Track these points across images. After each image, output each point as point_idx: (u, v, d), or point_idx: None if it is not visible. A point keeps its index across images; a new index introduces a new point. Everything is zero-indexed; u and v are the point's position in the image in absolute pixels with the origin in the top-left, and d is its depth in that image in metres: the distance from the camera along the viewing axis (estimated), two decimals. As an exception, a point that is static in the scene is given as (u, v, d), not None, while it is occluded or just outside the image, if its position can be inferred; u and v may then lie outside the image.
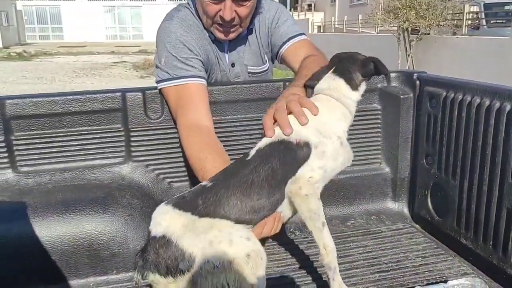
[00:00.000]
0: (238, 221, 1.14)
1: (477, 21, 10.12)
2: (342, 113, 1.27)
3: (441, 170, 1.69)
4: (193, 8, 1.67)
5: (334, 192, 1.91)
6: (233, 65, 1.78)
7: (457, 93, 1.59)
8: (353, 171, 1.93)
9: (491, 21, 10.12)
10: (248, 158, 1.22)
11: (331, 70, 1.29)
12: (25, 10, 30.88)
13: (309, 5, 24.60)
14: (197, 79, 1.55)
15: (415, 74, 1.85)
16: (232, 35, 1.63)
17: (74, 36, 30.44)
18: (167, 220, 1.13)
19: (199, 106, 1.52)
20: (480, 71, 7.91)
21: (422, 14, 9.07)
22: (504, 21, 9.65)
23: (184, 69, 1.54)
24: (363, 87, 1.30)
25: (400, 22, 9.46)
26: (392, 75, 1.92)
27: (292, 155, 1.19)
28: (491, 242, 1.45)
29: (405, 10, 9.19)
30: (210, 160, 1.35)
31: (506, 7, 10.13)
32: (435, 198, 1.76)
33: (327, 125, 1.23)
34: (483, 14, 10.09)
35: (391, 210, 1.94)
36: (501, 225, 1.40)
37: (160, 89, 1.60)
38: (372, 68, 1.28)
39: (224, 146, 1.67)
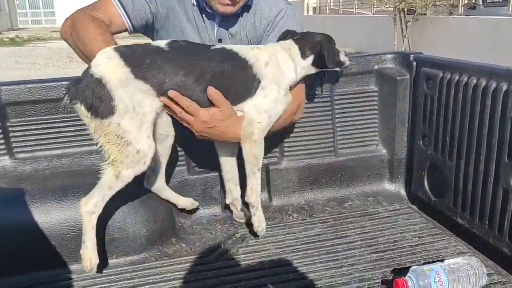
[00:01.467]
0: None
1: (474, 1, 10.03)
2: (293, 69, 1.46)
3: (437, 151, 1.70)
4: None
5: (331, 174, 1.92)
6: (220, 40, 1.69)
7: (454, 74, 1.59)
8: (350, 153, 1.94)
9: (488, 1, 10.03)
10: (212, 48, 1.40)
11: (295, 38, 1.50)
12: (16, -6, 30.42)
13: (305, -14, 24.24)
14: (125, 15, 1.51)
15: (411, 56, 1.85)
16: (234, 8, 1.56)
17: (67, 20, 30.06)
18: (107, 66, 1.26)
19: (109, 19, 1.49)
20: (477, 51, 7.88)
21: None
22: (500, 1, 9.56)
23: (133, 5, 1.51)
24: (310, 58, 1.48)
25: (396, 2, 9.37)
26: (389, 56, 1.92)
27: (245, 76, 1.36)
28: (487, 222, 1.47)
29: (401, -10, 9.11)
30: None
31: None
32: (432, 178, 1.77)
33: (279, 73, 1.41)
34: (479, -7, 10.01)
35: (388, 191, 1.96)
36: (497, 205, 1.41)
37: None
38: (319, 48, 1.46)
39: None
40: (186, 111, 1.33)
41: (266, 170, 1.84)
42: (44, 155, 1.63)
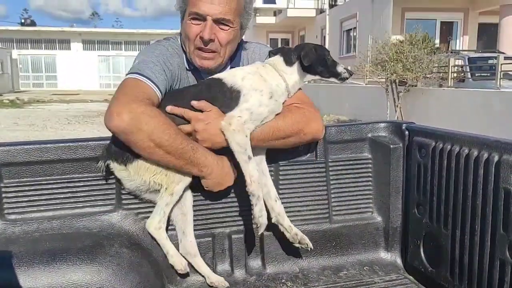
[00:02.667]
0: None
1: (462, 74, 10.45)
2: (279, 77, 1.61)
3: (432, 219, 1.69)
4: (179, 41, 1.70)
5: (326, 241, 1.89)
6: None
7: (446, 143, 1.62)
8: (345, 220, 1.92)
9: (476, 74, 10.45)
10: (201, 81, 1.65)
11: (279, 53, 1.67)
12: (20, 58, 31.41)
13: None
14: (158, 90, 1.52)
15: (404, 125, 1.89)
16: (210, 63, 1.62)
17: (68, 84, 30.85)
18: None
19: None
20: (466, 122, 8.08)
21: (409, 67, 9.36)
22: (488, 74, 9.97)
23: (154, 75, 1.53)
24: (296, 64, 1.63)
25: (387, 74, 9.74)
26: (382, 125, 1.96)
27: (226, 90, 1.54)
28: None
29: (392, 63, 9.49)
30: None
31: (490, 61, 10.50)
32: (428, 248, 1.74)
33: (260, 82, 1.56)
34: (468, 67, 10.44)
35: (384, 260, 1.92)
36: (494, 277, 1.38)
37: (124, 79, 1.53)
38: (303, 54, 1.58)
39: (216, 194, 1.68)
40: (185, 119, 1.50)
41: (260, 236, 1.82)
42: (35, 216, 1.60)
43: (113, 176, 1.65)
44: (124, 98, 1.41)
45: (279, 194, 1.81)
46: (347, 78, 1.68)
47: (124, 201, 1.67)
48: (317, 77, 1.66)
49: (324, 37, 22.59)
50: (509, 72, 10.01)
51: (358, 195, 1.94)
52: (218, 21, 1.56)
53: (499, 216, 1.37)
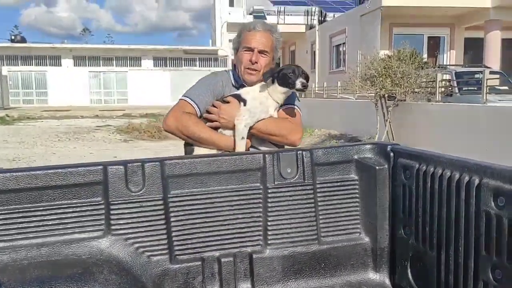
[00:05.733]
0: None
1: (450, 89, 10.60)
2: (263, 91, 2.26)
3: (418, 240, 1.72)
4: (225, 71, 2.50)
5: (315, 263, 1.91)
6: None
7: (429, 165, 1.66)
8: (333, 241, 1.94)
9: (463, 89, 10.61)
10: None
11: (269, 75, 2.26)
12: (10, 75, 31.28)
13: (290, 72, 25.47)
14: (197, 107, 2.29)
15: (389, 146, 1.93)
16: (253, 77, 2.33)
17: (59, 100, 30.69)
18: None
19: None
20: (454, 136, 8.18)
21: (397, 82, 9.47)
22: (475, 89, 10.13)
23: (197, 97, 2.30)
24: (275, 83, 2.24)
25: (377, 89, 9.85)
26: (367, 146, 2.00)
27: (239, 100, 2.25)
28: None
29: (381, 78, 9.61)
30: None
31: (476, 76, 10.67)
32: (415, 268, 1.77)
33: (256, 94, 2.25)
34: (455, 82, 10.61)
35: (372, 281, 1.94)
36: None
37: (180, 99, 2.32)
38: (280, 74, 2.22)
39: (205, 217, 1.70)
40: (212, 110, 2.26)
41: (249, 259, 1.83)
42: (24, 244, 1.60)
43: (102, 202, 1.67)
44: (172, 111, 2.26)
45: (267, 216, 1.84)
46: (302, 90, 2.26)
47: (113, 227, 1.68)
48: (287, 89, 2.24)
49: (314, 52, 22.86)
50: (496, 87, 10.21)
51: (346, 216, 1.96)
52: (260, 52, 2.32)
53: (481, 238, 1.40)
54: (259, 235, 1.86)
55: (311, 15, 24.44)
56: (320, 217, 1.93)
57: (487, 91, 8.11)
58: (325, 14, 23.44)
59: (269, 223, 1.86)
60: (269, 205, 1.85)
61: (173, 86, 31.37)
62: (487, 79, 8.15)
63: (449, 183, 1.55)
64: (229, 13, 30.57)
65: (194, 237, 1.77)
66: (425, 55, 16.59)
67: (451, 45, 17.43)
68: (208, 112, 2.26)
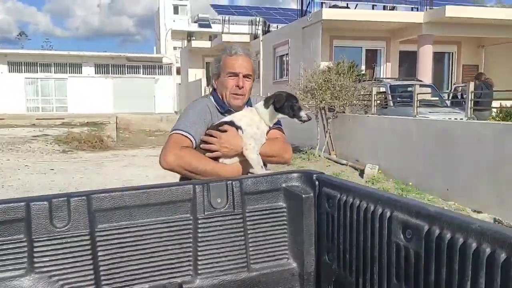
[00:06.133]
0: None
1: (385, 101, 11.14)
2: (255, 116, 2.34)
3: (340, 266, 1.82)
4: (212, 98, 2.48)
5: (245, 291, 1.96)
6: None
7: (349, 196, 1.76)
8: (262, 268, 2.00)
9: (398, 101, 11.18)
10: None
11: (263, 100, 2.38)
12: None
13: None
14: (192, 137, 2.29)
15: (314, 175, 2.02)
16: (240, 102, 2.41)
17: (-8, 108, 29.00)
18: None
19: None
20: (389, 148, 8.60)
21: (336, 95, 9.84)
22: (409, 101, 10.71)
23: (190, 127, 2.30)
24: (271, 108, 2.32)
25: (317, 101, 10.17)
26: (295, 175, 2.08)
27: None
28: None
29: (321, 91, 9.93)
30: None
31: (409, 89, 11.29)
32: None
33: (250, 120, 2.31)
34: (389, 95, 11.15)
35: None
36: None
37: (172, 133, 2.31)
38: (276, 100, 2.30)
39: (134, 250, 1.71)
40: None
41: None
42: None
43: (24, 240, 1.63)
44: (169, 148, 2.21)
45: (198, 246, 1.87)
46: (306, 121, 2.35)
47: (36, 264, 1.64)
48: (285, 116, 2.33)
49: (259, 62, 23.15)
50: (431, 99, 10.84)
51: (275, 242, 2.03)
52: (245, 76, 2.38)
53: (392, 268, 1.51)
54: (189, 265, 1.89)
55: (256, 25, 24.76)
56: (250, 244, 1.98)
57: (418, 104, 8.59)
58: (269, 25, 23.83)
59: (199, 253, 1.89)
60: (199, 235, 1.88)
61: (115, 94, 30.60)
62: (417, 94, 8.64)
63: (365, 213, 1.65)
64: (174, 21, 30.36)
65: (123, 271, 1.77)
66: (363, 67, 17.31)
67: (387, 57, 18.29)
68: (204, 141, 2.26)
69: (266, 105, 2.32)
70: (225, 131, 2.25)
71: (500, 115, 13.96)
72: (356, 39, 17.60)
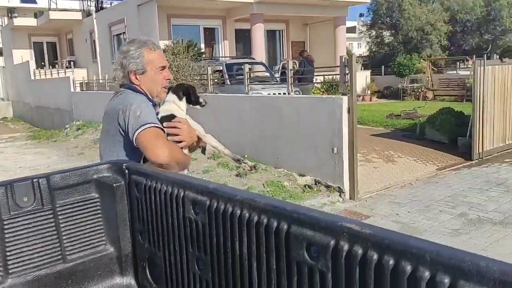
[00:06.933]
0: None
1: (222, 80, 11.65)
2: (180, 109, 2.49)
3: (151, 244, 2.01)
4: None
5: (62, 281, 2.02)
6: None
7: (152, 181, 1.95)
8: (80, 257, 2.09)
9: (232, 80, 11.78)
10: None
11: (171, 91, 2.51)
12: None
13: (69, 62, 23.79)
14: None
15: (124, 165, 2.16)
16: (165, 94, 2.48)
17: None
18: None
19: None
20: (227, 123, 9.12)
21: (174, 75, 9.96)
22: (242, 79, 11.37)
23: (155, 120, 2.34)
24: (184, 100, 2.51)
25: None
26: (105, 166, 2.19)
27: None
28: None
29: (158, 72, 9.93)
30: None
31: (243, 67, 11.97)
32: (151, 268, 2.06)
33: (181, 112, 2.50)
34: (226, 74, 11.69)
35: (120, 285, 2.17)
36: None
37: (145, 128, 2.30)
38: (185, 93, 2.51)
39: None
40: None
41: None
42: None
43: None
44: (159, 143, 2.26)
45: (6, 247, 1.88)
46: (204, 105, 2.64)
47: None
48: (190, 105, 2.54)
49: (94, 41, 21.83)
50: (265, 75, 11.63)
51: (90, 232, 2.13)
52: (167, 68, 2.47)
53: (188, 238, 1.76)
54: None
55: (87, 1, 23.17)
56: (64, 237, 2.05)
57: (248, 82, 9.22)
58: (102, 1, 22.55)
59: (8, 253, 1.89)
60: (6, 236, 1.89)
61: None
62: (248, 71, 9.26)
63: (165, 195, 1.86)
64: (-11, -5, 26.53)
65: None
66: (202, 45, 17.68)
67: (225, 36, 18.96)
68: (171, 134, 2.37)
69: (179, 98, 2.49)
70: (179, 122, 2.41)
71: (324, 86, 15.81)
72: (194, 17, 17.81)
